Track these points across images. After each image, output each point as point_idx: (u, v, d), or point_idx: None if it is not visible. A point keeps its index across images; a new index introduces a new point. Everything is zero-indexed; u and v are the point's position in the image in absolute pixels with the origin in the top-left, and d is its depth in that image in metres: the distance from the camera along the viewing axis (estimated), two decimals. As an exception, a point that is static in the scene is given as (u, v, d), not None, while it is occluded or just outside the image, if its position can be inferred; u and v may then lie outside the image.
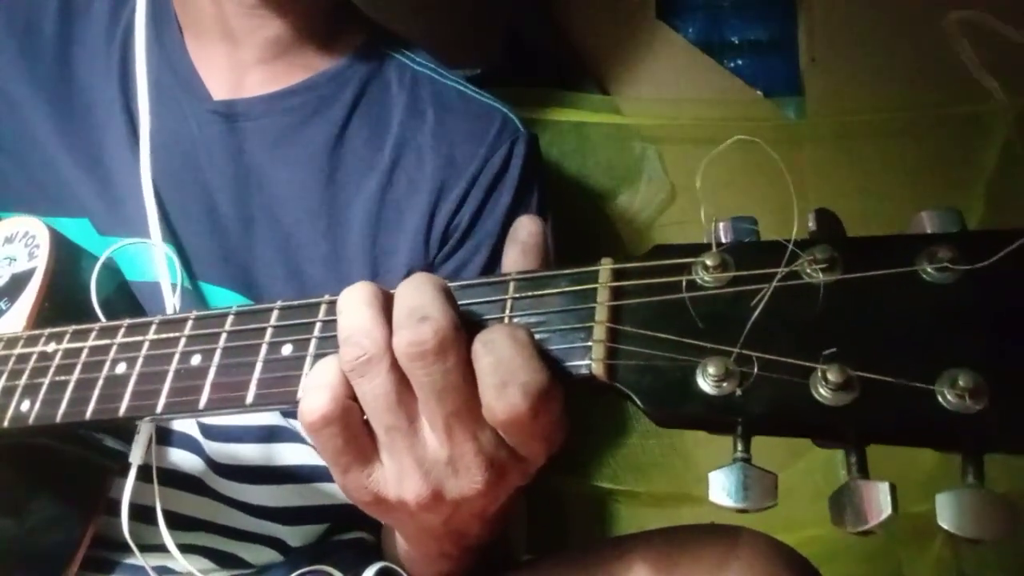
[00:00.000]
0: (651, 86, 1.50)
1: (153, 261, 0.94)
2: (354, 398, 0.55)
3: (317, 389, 0.55)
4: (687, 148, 1.48)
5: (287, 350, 0.61)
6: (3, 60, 1.04)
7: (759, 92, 1.49)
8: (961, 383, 0.42)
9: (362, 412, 0.56)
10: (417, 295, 0.54)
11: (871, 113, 1.45)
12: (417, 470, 0.55)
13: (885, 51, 1.45)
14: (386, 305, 0.55)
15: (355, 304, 0.55)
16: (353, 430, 0.55)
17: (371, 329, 0.54)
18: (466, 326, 0.53)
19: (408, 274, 0.95)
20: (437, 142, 1.02)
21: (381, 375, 0.53)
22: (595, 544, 0.79)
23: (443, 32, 1.45)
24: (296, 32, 1.02)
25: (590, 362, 0.51)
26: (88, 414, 0.67)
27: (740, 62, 1.51)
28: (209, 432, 0.92)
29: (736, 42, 1.52)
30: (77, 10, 1.06)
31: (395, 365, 0.53)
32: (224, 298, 0.96)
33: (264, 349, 0.61)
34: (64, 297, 0.84)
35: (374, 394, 0.54)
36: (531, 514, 1.13)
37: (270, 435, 0.94)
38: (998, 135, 1.38)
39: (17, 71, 1.03)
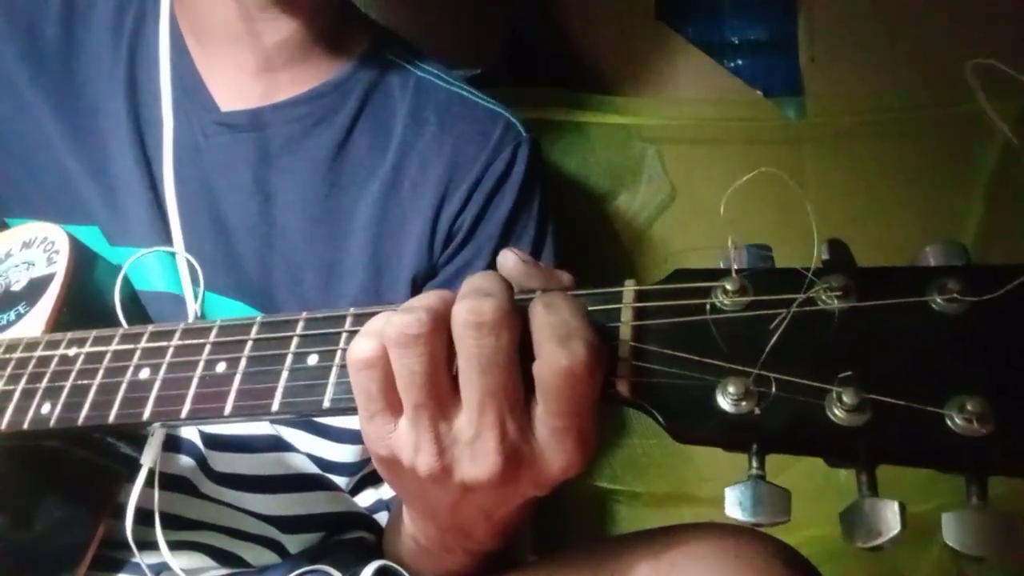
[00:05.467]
0: (651, 86, 1.50)
1: (165, 271, 0.95)
2: None
3: (371, 334, 0.56)
4: (687, 148, 1.48)
5: (313, 360, 0.62)
6: (8, 62, 1.04)
7: (759, 92, 1.49)
8: (969, 408, 0.44)
9: None
10: (485, 280, 0.55)
11: (871, 113, 1.44)
12: (434, 446, 0.56)
13: (885, 51, 1.45)
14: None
15: (432, 292, 0.57)
16: (389, 382, 0.56)
17: (434, 308, 0.55)
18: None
19: (413, 279, 0.97)
20: (440, 147, 1.03)
21: (419, 355, 0.54)
22: (595, 543, 0.79)
23: (443, 32, 1.45)
24: (302, 36, 1.02)
25: (614, 379, 0.53)
26: (111, 418, 0.68)
27: (740, 62, 1.50)
28: (210, 440, 0.93)
29: (736, 42, 1.51)
30: (79, 11, 1.06)
31: (440, 344, 0.55)
32: (230, 308, 0.97)
33: (290, 358, 0.63)
34: (82, 303, 0.85)
35: (410, 370, 0.55)
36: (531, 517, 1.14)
37: (270, 445, 0.95)
38: (998, 135, 1.39)
39: (22, 73, 1.03)
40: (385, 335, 0.55)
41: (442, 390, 0.55)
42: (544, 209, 1.08)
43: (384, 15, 1.19)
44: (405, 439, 0.57)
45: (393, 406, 0.57)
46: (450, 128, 1.04)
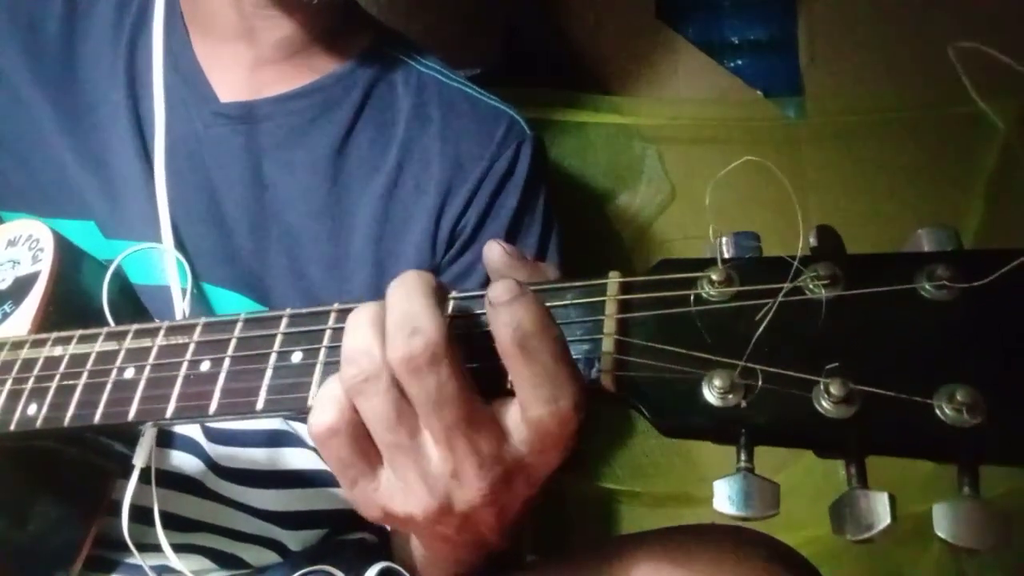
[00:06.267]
0: (651, 86, 1.50)
1: (160, 265, 0.94)
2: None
3: (326, 402, 0.56)
4: (687, 148, 1.48)
5: (297, 357, 0.61)
6: (7, 58, 1.03)
7: (759, 92, 1.49)
8: (959, 397, 0.43)
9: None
10: (407, 302, 0.53)
11: (871, 113, 1.45)
12: (422, 485, 0.56)
13: (885, 51, 1.45)
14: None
15: (359, 323, 0.55)
16: (359, 443, 0.56)
17: (369, 348, 0.54)
18: (464, 328, 0.54)
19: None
20: (443, 144, 1.02)
21: (379, 394, 0.54)
22: (595, 544, 0.79)
23: (443, 32, 1.45)
24: (305, 32, 1.02)
25: (599, 373, 0.52)
26: (97, 418, 0.67)
27: (740, 62, 1.51)
28: (212, 435, 0.93)
29: (736, 42, 1.52)
30: (81, 8, 1.06)
31: (394, 383, 0.54)
32: (229, 300, 0.97)
33: (274, 356, 0.62)
34: (68, 301, 0.84)
35: (374, 412, 0.54)
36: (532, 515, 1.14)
37: (275, 439, 0.95)
38: (998, 135, 1.38)
39: (21, 69, 1.03)
40: (346, 390, 0.54)
41: (413, 425, 0.55)
42: (548, 208, 1.07)
43: (384, 15, 1.18)
44: (392, 489, 0.57)
45: (371, 464, 0.57)
46: (453, 125, 1.04)
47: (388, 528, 1.00)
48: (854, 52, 1.47)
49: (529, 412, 0.52)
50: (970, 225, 1.41)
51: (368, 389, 0.54)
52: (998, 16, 1.40)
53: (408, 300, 0.54)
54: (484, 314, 0.54)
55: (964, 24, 1.40)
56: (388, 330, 0.53)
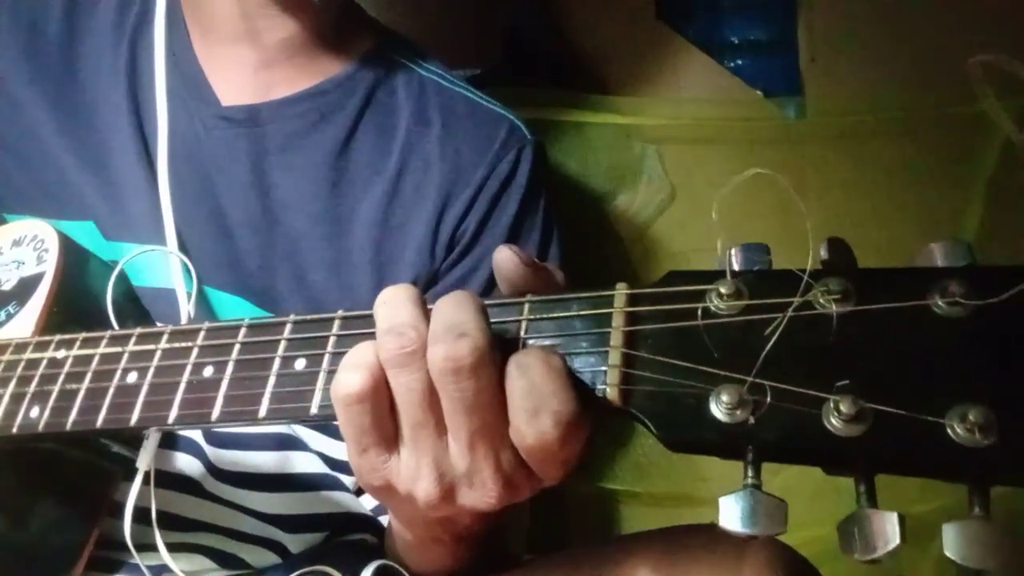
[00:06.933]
0: (651, 86, 1.50)
1: (163, 268, 0.94)
2: (389, 384, 0.55)
3: (355, 367, 0.55)
4: (687, 148, 1.48)
5: (300, 364, 0.61)
6: (6, 59, 1.03)
7: (759, 92, 1.49)
8: (971, 417, 0.42)
9: (393, 401, 0.56)
10: (458, 311, 0.54)
11: (871, 113, 1.44)
12: (433, 471, 0.56)
13: (885, 51, 1.45)
14: (426, 310, 0.55)
15: (400, 299, 0.56)
16: (382, 413, 0.55)
17: (417, 324, 0.54)
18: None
19: (414, 281, 0.96)
20: (443, 149, 1.02)
21: (421, 370, 0.53)
22: (595, 544, 0.79)
23: (443, 32, 1.45)
24: (307, 34, 1.01)
25: (605, 387, 0.52)
26: (99, 423, 0.67)
27: (740, 62, 1.50)
28: (212, 438, 0.93)
29: (736, 42, 1.51)
30: (82, 9, 1.05)
31: (424, 365, 0.54)
32: (230, 303, 0.96)
33: (277, 363, 0.62)
34: (72, 302, 0.84)
35: (410, 388, 0.54)
36: (531, 514, 1.14)
37: (280, 443, 0.95)
38: (998, 135, 1.38)
39: (20, 70, 1.03)
40: (385, 359, 0.54)
41: (438, 408, 0.55)
42: (549, 213, 1.07)
43: (384, 15, 1.18)
44: (404, 467, 0.57)
45: (387, 437, 0.56)
46: (454, 130, 1.03)
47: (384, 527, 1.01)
48: (854, 52, 1.46)
49: (512, 423, 0.53)
50: (970, 225, 1.41)
51: (411, 363, 0.53)
52: (998, 16, 1.40)
53: (459, 309, 0.54)
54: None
55: (964, 24, 1.40)
56: (433, 331, 0.53)
